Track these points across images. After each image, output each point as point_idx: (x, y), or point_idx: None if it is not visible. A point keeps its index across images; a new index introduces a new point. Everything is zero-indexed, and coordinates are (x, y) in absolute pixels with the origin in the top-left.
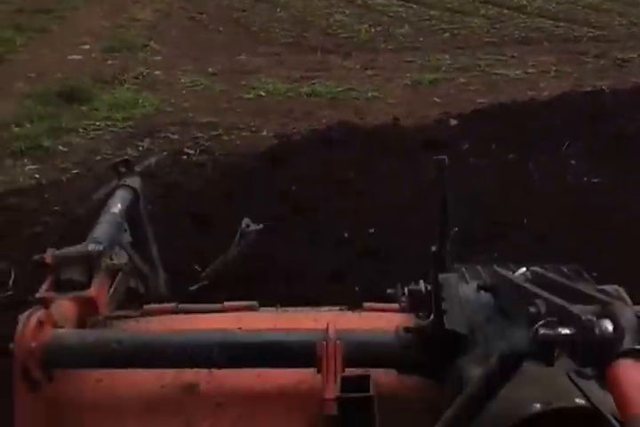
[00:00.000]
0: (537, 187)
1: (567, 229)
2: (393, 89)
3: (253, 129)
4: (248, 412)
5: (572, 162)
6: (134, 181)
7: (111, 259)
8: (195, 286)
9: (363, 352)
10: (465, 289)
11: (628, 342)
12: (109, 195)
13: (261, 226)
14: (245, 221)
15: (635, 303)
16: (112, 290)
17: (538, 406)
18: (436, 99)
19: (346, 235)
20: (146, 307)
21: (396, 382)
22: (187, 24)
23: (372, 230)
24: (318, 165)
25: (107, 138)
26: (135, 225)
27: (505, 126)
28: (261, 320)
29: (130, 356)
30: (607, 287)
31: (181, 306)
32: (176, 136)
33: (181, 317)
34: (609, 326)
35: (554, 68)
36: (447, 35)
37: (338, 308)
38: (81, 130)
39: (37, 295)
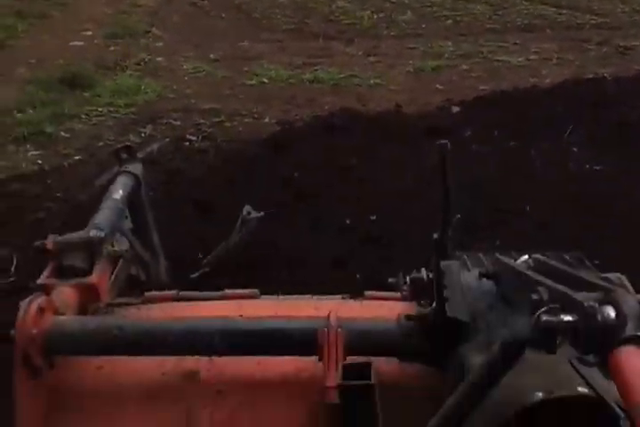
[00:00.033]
0: (539, 174)
1: (569, 217)
2: (395, 76)
3: (256, 115)
4: (248, 400)
5: (574, 149)
6: (136, 168)
7: (112, 245)
8: (196, 274)
9: (364, 340)
10: (467, 277)
11: (630, 329)
12: (111, 181)
13: (262, 213)
14: (246, 208)
15: (637, 291)
16: (113, 277)
17: (540, 394)
18: (438, 86)
19: (348, 221)
20: (147, 294)
21: (398, 370)
22: (188, 10)
23: (374, 217)
24: (320, 152)
25: (109, 124)
26: (136, 212)
27: (507, 113)
28: (262, 308)
29: (131, 343)
30: (609, 275)
31: (182, 293)
32: (178, 122)
33: (182, 304)
34: (611, 312)
35: (556, 56)
36: (450, 21)
37: (339, 296)
38: (83, 116)
39: (38, 282)
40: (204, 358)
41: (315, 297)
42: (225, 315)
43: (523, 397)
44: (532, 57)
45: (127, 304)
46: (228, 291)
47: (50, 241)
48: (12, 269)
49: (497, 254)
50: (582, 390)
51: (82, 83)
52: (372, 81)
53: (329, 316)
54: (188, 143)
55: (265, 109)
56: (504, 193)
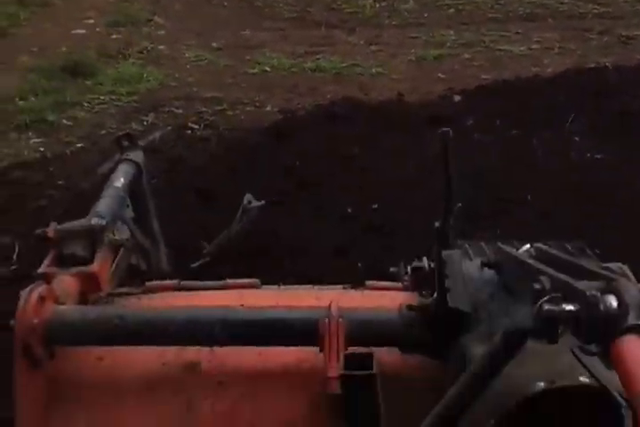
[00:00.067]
0: (540, 163)
1: (571, 206)
2: (397, 65)
3: (258, 104)
4: (250, 390)
5: (576, 138)
6: (137, 156)
7: (113, 234)
8: (196, 263)
9: (365, 331)
10: (469, 266)
11: (632, 319)
12: (113, 169)
13: (263, 202)
14: (247, 197)
15: (639, 280)
16: (114, 266)
17: (542, 384)
18: (440, 75)
19: (349, 210)
20: (148, 284)
21: (399, 360)
22: None
23: (376, 206)
24: (322, 141)
25: (111, 112)
26: (137, 200)
27: (509, 102)
28: (263, 298)
29: (132, 332)
30: (611, 265)
31: (183, 283)
32: (180, 111)
33: (183, 294)
34: (613, 302)
35: (558, 45)
36: (452, 10)
37: (340, 286)
38: (85, 104)
39: (39, 271)
40: (205, 349)
41: (316, 287)
42: (226, 305)
43: (524, 387)
44: (534, 46)
45: (128, 294)
46: (229, 281)
47: (51, 229)
48: (14, 256)
49: (499, 243)
50: (584, 379)
51: (84, 71)
52: (373, 70)
53: (330, 306)
54: (189, 131)
55: (267, 98)
56: (506, 182)
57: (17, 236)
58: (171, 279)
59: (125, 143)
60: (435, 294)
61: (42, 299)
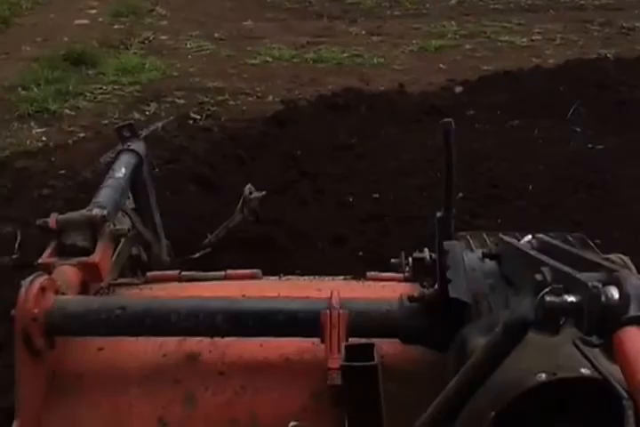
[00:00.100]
0: (541, 153)
1: (571, 195)
2: (398, 55)
3: (259, 94)
4: (250, 381)
5: (577, 129)
6: (138, 146)
7: (114, 225)
8: (197, 254)
9: (366, 321)
10: (470, 257)
11: (633, 310)
12: (115, 159)
13: (264, 193)
14: (248, 187)
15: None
16: (115, 256)
17: (543, 376)
18: (441, 65)
19: (350, 199)
20: (149, 274)
21: (400, 351)
22: None
23: (377, 195)
24: (324, 131)
25: (113, 102)
26: (138, 190)
27: (510, 93)
28: (264, 288)
29: (133, 323)
30: (612, 256)
31: (184, 274)
32: (182, 101)
33: (184, 284)
34: (615, 293)
35: (559, 36)
36: (453, 1)
37: (342, 277)
38: (88, 94)
39: (40, 261)
40: (206, 340)
41: (317, 278)
42: (227, 295)
43: (525, 379)
44: (535, 37)
45: (129, 284)
46: (230, 271)
47: (52, 219)
48: (17, 245)
49: (500, 234)
50: (585, 371)
51: (86, 61)
52: (375, 60)
53: (331, 297)
54: (191, 121)
55: (268, 88)
56: (506, 172)
57: (19, 224)
58: (172, 270)
59: (126, 133)
60: (436, 285)
61: (43, 289)
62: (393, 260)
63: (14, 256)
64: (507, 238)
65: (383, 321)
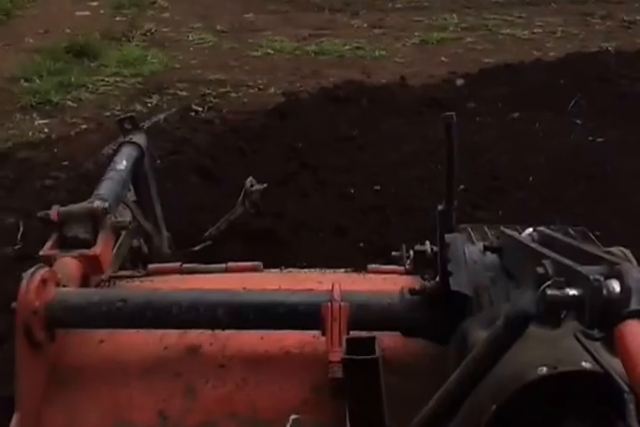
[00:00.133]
0: (542, 145)
1: (571, 187)
2: (400, 48)
3: (261, 86)
4: (251, 374)
5: (577, 121)
6: (139, 138)
7: (115, 217)
8: (197, 247)
9: (367, 314)
10: (471, 250)
11: (635, 303)
12: (116, 151)
13: (265, 185)
14: (250, 180)
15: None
16: (116, 249)
17: (544, 369)
18: (443, 58)
19: (352, 191)
20: (150, 267)
21: (401, 344)
22: None
23: (378, 187)
24: (325, 123)
25: (116, 94)
26: (139, 183)
27: (511, 86)
28: (266, 281)
29: (134, 315)
30: (613, 249)
31: (185, 266)
32: (184, 93)
33: (185, 277)
34: (616, 286)
35: (560, 29)
36: None
37: (343, 269)
38: (90, 85)
39: (41, 253)
40: (207, 333)
41: (318, 270)
42: (228, 288)
43: (526, 372)
44: (536, 30)
45: (130, 277)
46: (231, 264)
47: (53, 212)
48: (19, 236)
49: (501, 227)
50: (586, 365)
51: (88, 53)
52: (376, 53)
53: (332, 289)
54: (193, 113)
55: (270, 80)
56: (507, 164)
57: (22, 215)
58: (173, 262)
59: (128, 126)
60: (437, 278)
61: (43, 281)
62: (394, 253)
63: (17, 247)
64: (508, 231)
65: (384, 314)
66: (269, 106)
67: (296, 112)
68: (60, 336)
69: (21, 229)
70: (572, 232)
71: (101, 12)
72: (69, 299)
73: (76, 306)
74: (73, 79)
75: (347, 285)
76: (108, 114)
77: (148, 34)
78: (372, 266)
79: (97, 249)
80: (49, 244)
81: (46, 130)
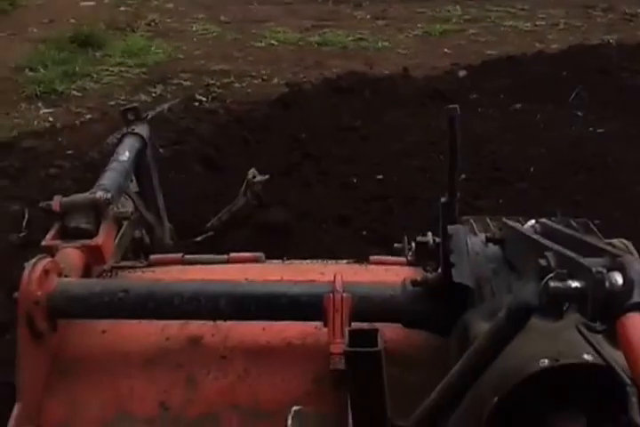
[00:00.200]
0: (543, 137)
1: (572, 178)
2: (403, 40)
3: (265, 77)
4: (253, 365)
5: (578, 113)
6: (142, 129)
7: (117, 208)
8: (199, 237)
9: (369, 306)
10: (473, 241)
11: (637, 296)
12: (119, 142)
13: (267, 176)
14: (252, 171)
15: None
16: (118, 239)
17: (545, 361)
18: (445, 50)
19: (354, 181)
20: (152, 257)
21: (402, 336)
22: None
23: (381, 176)
24: (328, 113)
25: (120, 83)
26: (142, 174)
27: (513, 78)
28: (268, 272)
29: (136, 306)
30: (614, 241)
31: (187, 257)
32: (188, 83)
33: (187, 268)
34: (619, 279)
35: (562, 22)
36: None
37: (345, 261)
38: (94, 75)
39: (43, 243)
40: (209, 324)
41: (320, 261)
42: (230, 279)
43: (528, 365)
44: (538, 22)
45: (132, 267)
46: (233, 254)
47: (55, 202)
48: (24, 224)
49: (504, 219)
50: (588, 357)
51: (93, 43)
52: (379, 44)
53: (334, 281)
54: (197, 103)
55: (274, 71)
56: (509, 154)
57: (27, 203)
58: (174, 253)
59: (131, 117)
60: (439, 269)
61: (46, 272)
62: (396, 244)
63: (22, 234)
64: (510, 223)
65: (386, 305)
66: (273, 96)
67: (299, 103)
68: (62, 327)
69: (26, 216)
70: (574, 224)
71: (106, 2)
72: (71, 289)
73: (78, 296)
74: (77, 69)
75: (349, 276)
76: (112, 103)
77: (153, 24)
78: (373, 257)
79: (99, 239)
80: (51, 234)
81: (51, 119)
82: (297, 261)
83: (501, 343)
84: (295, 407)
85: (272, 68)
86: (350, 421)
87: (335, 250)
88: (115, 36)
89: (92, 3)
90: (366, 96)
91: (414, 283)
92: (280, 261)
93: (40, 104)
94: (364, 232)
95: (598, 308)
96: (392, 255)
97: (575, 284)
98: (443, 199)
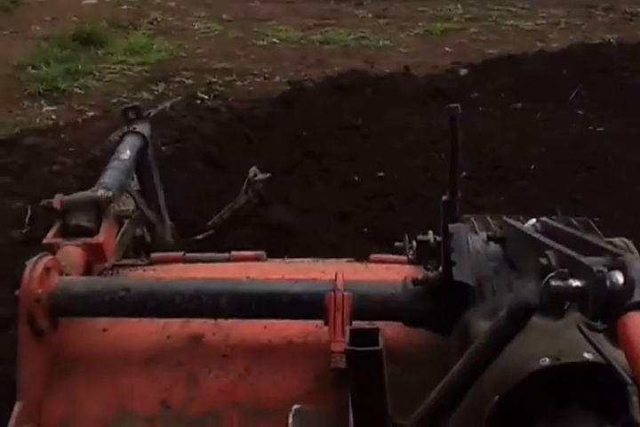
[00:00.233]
0: (544, 135)
1: (572, 176)
2: (404, 38)
3: (266, 75)
4: (254, 364)
5: (579, 112)
6: (143, 128)
7: (118, 206)
8: (200, 236)
9: (370, 304)
10: (474, 240)
11: (638, 295)
12: (120, 141)
13: (269, 175)
14: (253, 170)
15: None
16: (119, 237)
17: (546, 360)
18: (446, 48)
19: (356, 178)
20: (153, 255)
21: (403, 335)
22: None
23: (382, 174)
24: (329, 112)
25: (122, 81)
26: (143, 172)
27: (514, 77)
28: (269, 270)
29: (137, 304)
30: (615, 239)
31: (188, 255)
32: (190, 81)
33: (188, 266)
34: (620, 278)
35: (563, 21)
36: None
37: (345, 259)
38: (97, 73)
39: (44, 241)
40: (210, 322)
41: (321, 260)
42: (231, 277)
43: (529, 363)
44: (539, 22)
45: (133, 265)
46: (234, 253)
47: (57, 200)
48: (27, 220)
49: (504, 217)
50: (589, 356)
51: (95, 41)
52: (381, 43)
53: (335, 279)
54: (199, 101)
55: (275, 69)
56: (509, 153)
57: (29, 200)
58: (176, 251)
59: (132, 115)
60: (440, 268)
61: (47, 270)
62: (397, 243)
63: (24, 231)
64: (511, 221)
65: (387, 304)
66: (275, 94)
67: (301, 101)
68: (63, 325)
69: (29, 213)
70: (574, 223)
71: (107, 0)
72: (72, 287)
73: (79, 294)
74: (80, 67)
75: (350, 274)
76: (114, 101)
77: (155, 22)
78: (374, 255)
79: (100, 237)
80: (52, 232)
81: (54, 117)
82: (298, 260)
83: (502, 342)
84: (296, 406)
85: (274, 67)
86: (351, 419)
87: (336, 247)
88: (117, 34)
89: (94, 1)
90: (368, 94)
91: (415, 281)
92: (281, 259)
93: (43, 102)
94: (365, 229)
95: (599, 307)
96: (393, 253)
97: (576, 283)
98: (444, 198)
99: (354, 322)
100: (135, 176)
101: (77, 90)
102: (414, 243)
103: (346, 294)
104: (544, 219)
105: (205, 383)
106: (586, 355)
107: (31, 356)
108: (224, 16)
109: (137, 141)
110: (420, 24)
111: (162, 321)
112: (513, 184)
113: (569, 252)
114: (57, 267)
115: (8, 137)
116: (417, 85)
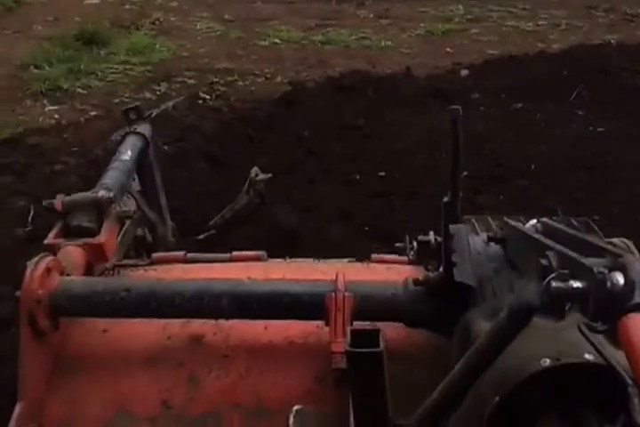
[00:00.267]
0: (544, 135)
1: (572, 176)
2: (406, 39)
3: (268, 75)
4: (255, 364)
5: (579, 112)
6: (145, 128)
7: (120, 206)
8: (201, 236)
9: (371, 305)
10: (475, 241)
11: (638, 296)
12: (121, 141)
13: (270, 175)
14: (254, 170)
15: None
16: (120, 238)
17: (547, 361)
18: (448, 49)
19: (357, 177)
20: (154, 256)
21: (404, 335)
22: None
23: (383, 173)
24: (331, 112)
25: (124, 81)
26: (144, 172)
27: (515, 77)
28: (270, 271)
29: (138, 304)
30: (615, 240)
31: (189, 255)
32: (192, 81)
33: (189, 266)
34: (620, 279)
35: (564, 22)
36: None
37: (346, 259)
38: (99, 73)
39: (46, 242)
40: (210, 322)
41: (322, 260)
42: (232, 277)
43: (529, 364)
44: (540, 22)
45: (134, 265)
46: (235, 253)
47: (58, 201)
48: (30, 219)
49: (505, 218)
50: (590, 357)
51: (98, 41)
52: (382, 44)
53: (336, 279)
54: (201, 101)
55: (277, 70)
56: (510, 153)
57: (32, 199)
58: (177, 251)
59: (133, 116)
60: (440, 269)
61: (48, 270)
62: (398, 244)
63: (27, 229)
64: (512, 222)
65: (388, 305)
66: (276, 95)
67: (302, 101)
68: (64, 325)
69: (32, 212)
70: (575, 223)
71: (110, 0)
72: (73, 288)
73: (80, 295)
74: (82, 67)
75: (351, 275)
76: (116, 101)
77: (157, 22)
78: (375, 256)
79: (101, 238)
80: (53, 233)
81: (56, 116)
82: (299, 260)
83: (503, 343)
84: (297, 406)
85: (275, 67)
86: (352, 420)
87: (338, 246)
88: (119, 34)
89: (96, 1)
90: (369, 95)
91: (416, 282)
92: (282, 259)
93: (45, 101)
94: (367, 228)
95: (600, 308)
96: (394, 253)
97: (577, 284)
98: (445, 199)
99: (355, 323)
100: (136, 177)
101: (80, 90)
102: (415, 243)
103: (347, 294)
104: (545, 219)
105: (206, 384)
106: (586, 356)
107: (32, 356)
108: (226, 16)
109: (138, 142)
110: (422, 25)
111: (162, 321)
112: (513, 183)
113: (569, 253)
114: (58, 267)
115: (11, 136)
116: (418, 86)
